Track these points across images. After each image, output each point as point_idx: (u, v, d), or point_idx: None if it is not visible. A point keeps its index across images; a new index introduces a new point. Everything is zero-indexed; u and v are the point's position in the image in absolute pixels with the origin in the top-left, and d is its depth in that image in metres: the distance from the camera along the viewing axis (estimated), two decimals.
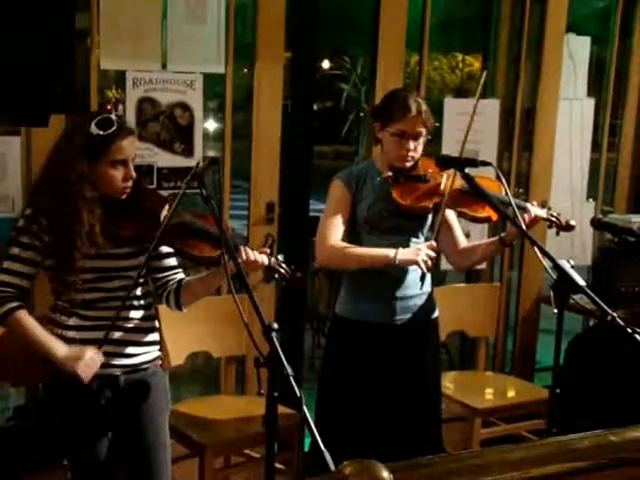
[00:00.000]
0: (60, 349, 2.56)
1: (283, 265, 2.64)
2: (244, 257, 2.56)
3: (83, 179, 2.54)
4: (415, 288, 3.14)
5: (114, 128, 2.57)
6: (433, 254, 2.92)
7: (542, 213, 3.09)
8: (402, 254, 2.95)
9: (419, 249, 2.94)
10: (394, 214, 3.08)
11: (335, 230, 3.04)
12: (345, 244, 3.03)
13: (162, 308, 3.06)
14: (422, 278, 2.99)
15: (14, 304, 2.53)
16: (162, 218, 2.63)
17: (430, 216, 3.16)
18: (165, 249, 2.70)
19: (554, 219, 3.11)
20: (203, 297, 2.85)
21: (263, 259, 2.60)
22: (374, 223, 3.08)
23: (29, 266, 2.57)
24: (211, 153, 4.45)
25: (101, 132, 2.55)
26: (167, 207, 2.64)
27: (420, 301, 3.18)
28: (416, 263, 2.91)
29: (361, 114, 10.41)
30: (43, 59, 2.32)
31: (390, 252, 2.96)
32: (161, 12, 3.65)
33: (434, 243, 2.95)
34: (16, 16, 2.36)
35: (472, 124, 3.08)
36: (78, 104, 2.85)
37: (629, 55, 4.98)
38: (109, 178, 2.59)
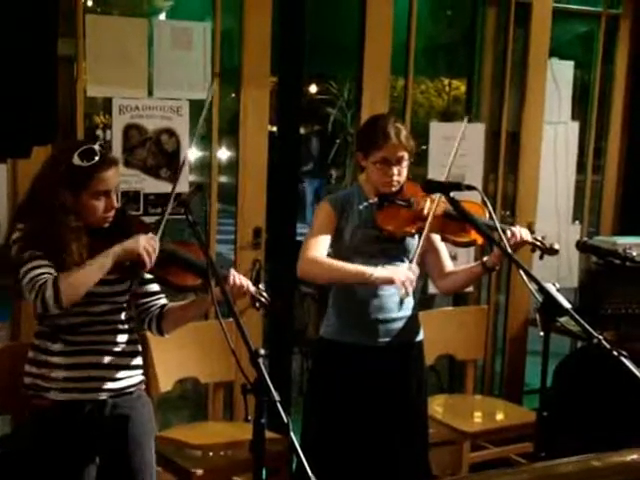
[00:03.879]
0: (113, 248, 2.49)
1: (264, 294, 2.64)
2: (231, 282, 2.57)
3: (67, 210, 2.54)
4: (397, 311, 3.14)
5: (96, 159, 2.56)
6: (412, 276, 2.92)
7: (526, 236, 3.09)
8: (379, 273, 2.96)
9: (398, 270, 2.95)
10: (378, 239, 3.09)
11: (318, 245, 3.04)
12: (325, 258, 3.04)
13: (150, 334, 3.05)
14: (401, 301, 2.98)
15: (52, 276, 2.45)
16: None
17: (416, 240, 3.17)
18: (148, 275, 2.69)
19: (538, 243, 3.12)
20: (186, 324, 2.85)
21: (248, 284, 2.61)
22: (359, 247, 3.09)
23: (46, 259, 2.51)
24: (197, 179, 4.46)
25: (83, 163, 2.55)
26: (151, 234, 2.64)
27: (402, 324, 3.18)
28: (392, 282, 2.91)
29: (348, 138, 10.46)
30: (24, 90, 2.32)
31: (367, 270, 2.97)
32: (147, 38, 3.67)
33: (414, 266, 2.95)
34: None
35: (457, 155, 3.12)
36: (61, 135, 2.85)
37: (612, 79, 5.03)
38: (91, 208, 2.59)
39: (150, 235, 2.53)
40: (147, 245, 2.50)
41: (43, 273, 2.47)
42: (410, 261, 3.00)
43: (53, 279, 2.44)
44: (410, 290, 2.92)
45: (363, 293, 3.10)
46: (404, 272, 2.92)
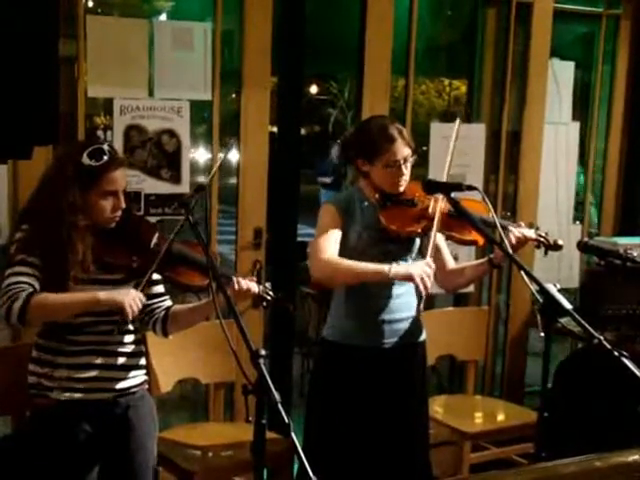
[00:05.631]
0: (99, 293, 2.51)
1: (270, 293, 2.66)
2: (236, 288, 2.58)
3: (75, 209, 2.55)
4: (403, 311, 3.14)
5: (106, 159, 2.57)
6: (429, 271, 2.91)
7: (530, 233, 3.09)
8: (397, 269, 2.93)
9: (415, 265, 2.93)
10: (382, 240, 3.07)
11: (329, 245, 3.01)
12: (339, 258, 3.00)
13: (150, 335, 3.05)
14: (420, 298, 2.96)
15: (29, 290, 2.46)
16: (152, 245, 2.65)
17: (418, 240, 3.16)
18: (154, 276, 2.70)
19: (542, 239, 3.12)
20: (191, 326, 2.86)
21: (254, 287, 2.62)
22: (362, 250, 3.06)
23: (36, 269, 2.52)
24: (198, 179, 4.46)
25: (93, 163, 2.56)
26: (157, 234, 2.66)
27: (407, 324, 3.17)
28: (411, 278, 2.89)
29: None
30: (25, 90, 2.31)
31: (385, 267, 2.94)
32: (148, 39, 3.67)
33: (430, 260, 2.94)
34: None
35: (455, 152, 3.13)
36: (62, 135, 2.84)
37: (613, 79, 5.03)
38: (99, 208, 2.60)
39: (137, 293, 2.54)
40: (132, 302, 2.51)
41: (23, 282, 2.48)
42: (427, 257, 2.98)
43: (28, 294, 2.45)
44: (429, 285, 2.91)
45: (368, 294, 3.09)
46: (422, 267, 2.90)
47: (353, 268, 2.98)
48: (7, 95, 2.28)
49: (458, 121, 3.23)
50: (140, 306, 2.54)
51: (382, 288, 3.09)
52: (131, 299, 2.50)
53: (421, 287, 2.87)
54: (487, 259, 3.16)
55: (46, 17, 2.33)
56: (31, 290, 2.47)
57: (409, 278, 2.91)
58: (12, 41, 2.27)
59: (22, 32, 2.28)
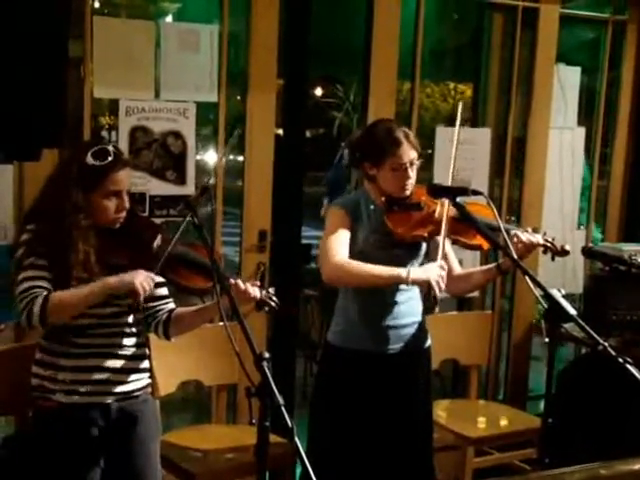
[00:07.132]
0: (108, 278, 2.50)
1: (274, 298, 2.64)
2: (242, 287, 2.57)
3: (78, 209, 2.55)
4: (408, 317, 3.13)
5: (110, 159, 2.57)
6: (443, 273, 2.88)
7: (538, 239, 3.08)
8: (415, 273, 2.90)
9: (430, 269, 2.90)
10: (388, 244, 3.05)
11: (340, 246, 2.98)
12: (352, 260, 2.98)
13: (152, 337, 3.05)
14: (430, 305, 2.94)
15: (44, 293, 2.47)
16: (155, 247, 2.64)
17: (424, 245, 3.15)
18: (157, 278, 2.69)
19: (549, 244, 3.10)
20: (194, 329, 2.84)
21: (255, 292, 2.60)
22: (368, 254, 3.04)
23: (45, 271, 2.52)
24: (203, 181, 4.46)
25: (97, 163, 2.56)
26: (160, 236, 2.65)
27: (413, 330, 3.16)
28: (428, 283, 2.87)
29: None
30: (34, 93, 2.32)
31: (402, 272, 2.90)
32: (154, 40, 3.68)
33: (443, 263, 2.93)
34: (4, 48, 2.34)
35: (459, 153, 3.12)
36: (68, 136, 2.85)
37: (619, 84, 5.03)
38: (102, 208, 2.60)
39: (148, 273, 2.52)
40: (144, 282, 2.49)
41: (37, 287, 2.49)
42: (439, 260, 2.96)
43: (44, 297, 2.46)
44: (443, 287, 2.87)
45: (374, 299, 3.08)
46: (437, 271, 2.87)
47: (368, 271, 2.95)
48: (15, 98, 2.29)
49: (461, 105, 3.22)
50: (152, 285, 2.52)
51: (387, 294, 3.08)
52: (142, 278, 2.49)
53: (436, 290, 2.85)
54: (495, 265, 3.14)
55: (57, 18, 2.34)
56: (46, 293, 2.48)
57: (426, 282, 2.88)
58: (22, 42, 2.28)
59: (32, 33, 2.29)
